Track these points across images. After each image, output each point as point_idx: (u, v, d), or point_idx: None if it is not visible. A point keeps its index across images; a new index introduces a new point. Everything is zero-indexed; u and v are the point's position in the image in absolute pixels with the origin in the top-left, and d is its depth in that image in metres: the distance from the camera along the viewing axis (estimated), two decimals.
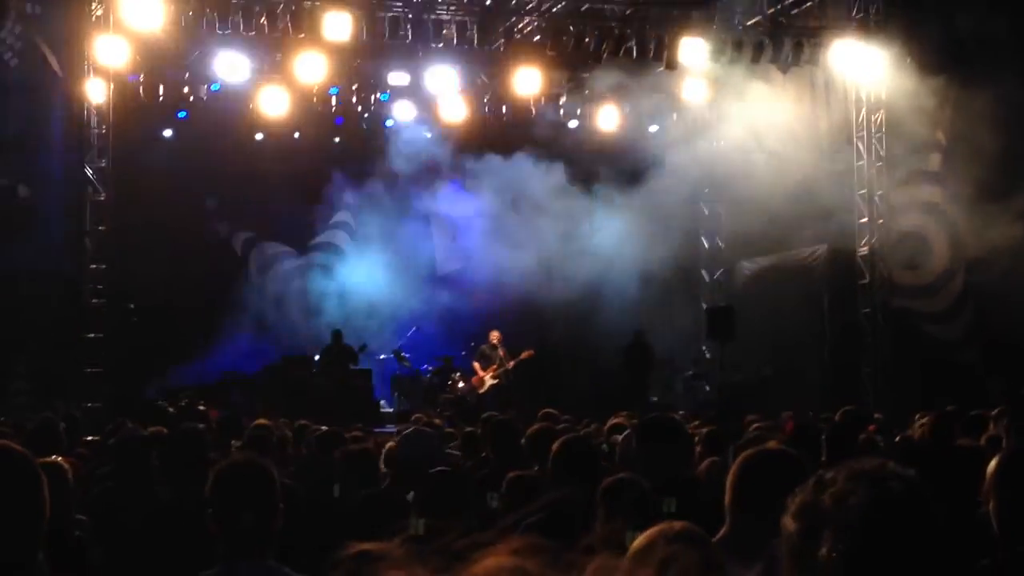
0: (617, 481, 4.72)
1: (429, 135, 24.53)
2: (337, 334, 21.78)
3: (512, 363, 21.81)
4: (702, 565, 2.38)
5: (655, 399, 22.37)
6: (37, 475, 2.93)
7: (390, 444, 8.11)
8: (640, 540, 2.72)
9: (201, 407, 18.20)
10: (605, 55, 20.64)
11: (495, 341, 22.18)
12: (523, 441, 7.63)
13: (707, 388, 23.58)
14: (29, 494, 2.89)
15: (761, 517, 1.88)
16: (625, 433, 8.12)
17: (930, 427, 9.09)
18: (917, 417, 10.66)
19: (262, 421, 9.77)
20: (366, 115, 24.01)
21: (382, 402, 22.44)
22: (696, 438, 8.43)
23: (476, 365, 22.18)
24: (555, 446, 5.90)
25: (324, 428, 10.25)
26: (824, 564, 1.71)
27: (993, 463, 3.84)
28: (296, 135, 23.94)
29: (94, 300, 19.44)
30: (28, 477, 2.92)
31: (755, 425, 11.09)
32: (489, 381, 21.88)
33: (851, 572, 1.70)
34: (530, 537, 1.64)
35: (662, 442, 5.89)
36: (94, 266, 19.58)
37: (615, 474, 5.15)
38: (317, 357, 22.07)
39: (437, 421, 12.91)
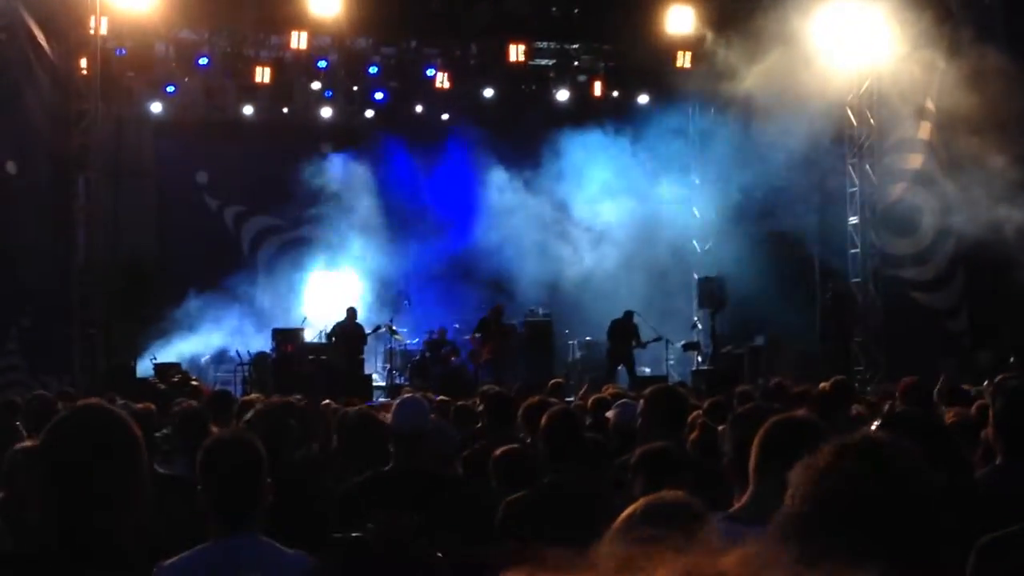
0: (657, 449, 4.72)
1: (420, 108, 24.50)
2: (351, 312, 21.63)
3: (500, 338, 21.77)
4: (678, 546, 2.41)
5: (647, 371, 22.46)
6: (131, 428, 2.96)
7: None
8: (625, 516, 2.71)
9: (194, 383, 18.23)
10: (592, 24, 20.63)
11: (499, 311, 22.11)
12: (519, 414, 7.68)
13: (699, 359, 23.63)
14: (128, 450, 2.92)
15: (782, 484, 1.89)
16: (620, 402, 8.15)
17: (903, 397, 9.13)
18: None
19: (251, 397, 9.78)
20: (355, 88, 23.90)
21: (374, 376, 22.44)
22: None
23: (477, 337, 22.15)
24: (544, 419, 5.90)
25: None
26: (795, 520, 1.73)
27: None
28: (284, 110, 23.84)
29: (84, 276, 19.38)
30: (126, 434, 2.94)
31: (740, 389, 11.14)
32: (485, 356, 21.86)
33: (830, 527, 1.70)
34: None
35: (667, 415, 5.91)
36: (84, 242, 19.53)
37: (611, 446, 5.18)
38: (309, 332, 22.03)
39: (429, 394, 12.93)
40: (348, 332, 21.31)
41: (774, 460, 1.78)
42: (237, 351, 21.80)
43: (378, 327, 21.87)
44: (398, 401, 6.12)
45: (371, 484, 5.60)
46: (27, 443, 5.47)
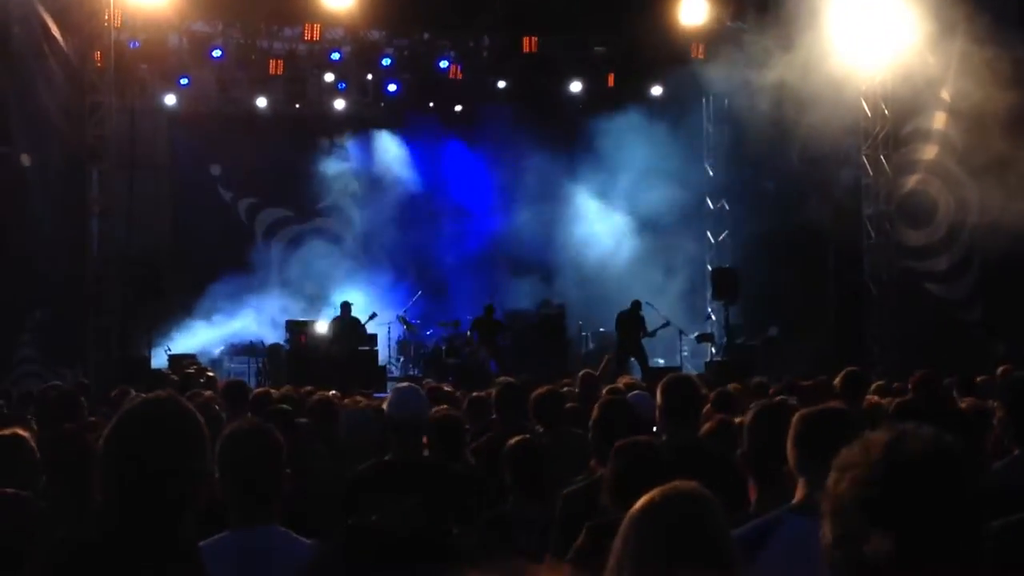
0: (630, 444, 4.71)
1: (433, 100, 24.51)
2: (346, 305, 21.69)
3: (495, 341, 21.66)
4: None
5: (661, 362, 22.43)
6: (199, 423, 2.97)
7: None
8: (640, 508, 2.71)
9: (210, 374, 18.29)
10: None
11: (489, 312, 22.00)
12: (530, 403, 7.68)
13: (713, 350, 23.59)
14: (195, 445, 2.94)
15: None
16: (634, 393, 8.15)
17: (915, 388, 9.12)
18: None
19: (263, 389, 9.81)
20: (368, 73, 23.87)
21: (389, 367, 22.45)
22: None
23: (472, 336, 21.99)
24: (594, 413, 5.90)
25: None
26: (843, 501, 1.78)
27: None
28: (297, 105, 23.86)
29: (98, 268, 19.44)
30: (193, 424, 2.95)
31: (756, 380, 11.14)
32: (483, 354, 21.65)
33: (867, 507, 1.76)
34: None
35: (683, 404, 5.90)
36: (97, 234, 19.58)
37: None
38: (324, 326, 22.03)
39: (446, 387, 12.92)
40: (346, 325, 21.32)
41: (821, 450, 1.82)
42: (252, 341, 21.88)
43: (373, 315, 21.87)
44: (393, 391, 6.08)
45: (372, 474, 5.61)
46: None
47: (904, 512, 1.76)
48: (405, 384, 6.27)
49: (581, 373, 12.43)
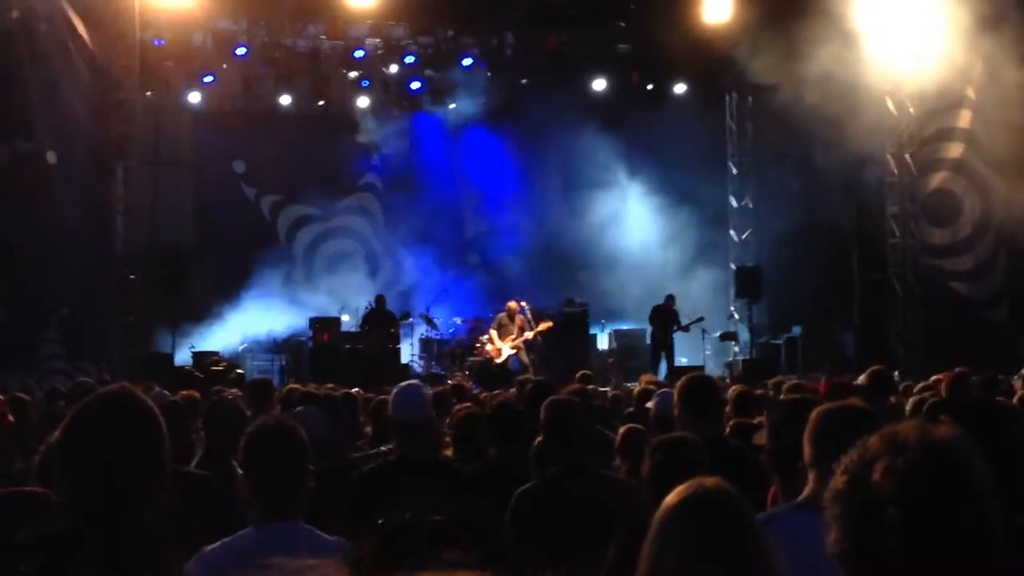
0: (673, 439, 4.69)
1: (453, 106, 24.48)
2: (380, 299, 21.67)
3: (532, 333, 21.40)
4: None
5: (684, 360, 22.38)
6: (155, 416, 2.98)
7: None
8: (670, 505, 2.71)
9: (239, 371, 18.40)
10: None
11: (512, 311, 21.75)
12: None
13: (736, 349, 23.52)
14: (149, 432, 2.95)
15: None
16: (660, 392, 8.15)
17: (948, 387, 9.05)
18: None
19: (294, 386, 9.83)
20: (392, 71, 23.87)
21: (412, 365, 22.44)
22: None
23: (493, 334, 21.72)
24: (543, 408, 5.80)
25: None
26: (877, 488, 1.77)
27: None
28: (321, 103, 23.89)
29: (122, 264, 19.55)
30: (148, 417, 2.95)
31: (776, 381, 11.11)
32: (508, 351, 21.39)
33: (904, 490, 1.75)
34: None
35: (700, 404, 5.89)
36: (122, 231, 19.69)
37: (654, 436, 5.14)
38: (346, 318, 22.09)
39: (468, 384, 12.93)
40: (379, 319, 21.31)
41: (836, 446, 1.82)
42: (275, 338, 21.94)
43: (406, 314, 21.83)
44: (395, 391, 5.98)
45: (380, 473, 5.60)
46: None
47: (907, 509, 1.76)
48: (407, 383, 6.17)
49: (579, 374, 12.44)
